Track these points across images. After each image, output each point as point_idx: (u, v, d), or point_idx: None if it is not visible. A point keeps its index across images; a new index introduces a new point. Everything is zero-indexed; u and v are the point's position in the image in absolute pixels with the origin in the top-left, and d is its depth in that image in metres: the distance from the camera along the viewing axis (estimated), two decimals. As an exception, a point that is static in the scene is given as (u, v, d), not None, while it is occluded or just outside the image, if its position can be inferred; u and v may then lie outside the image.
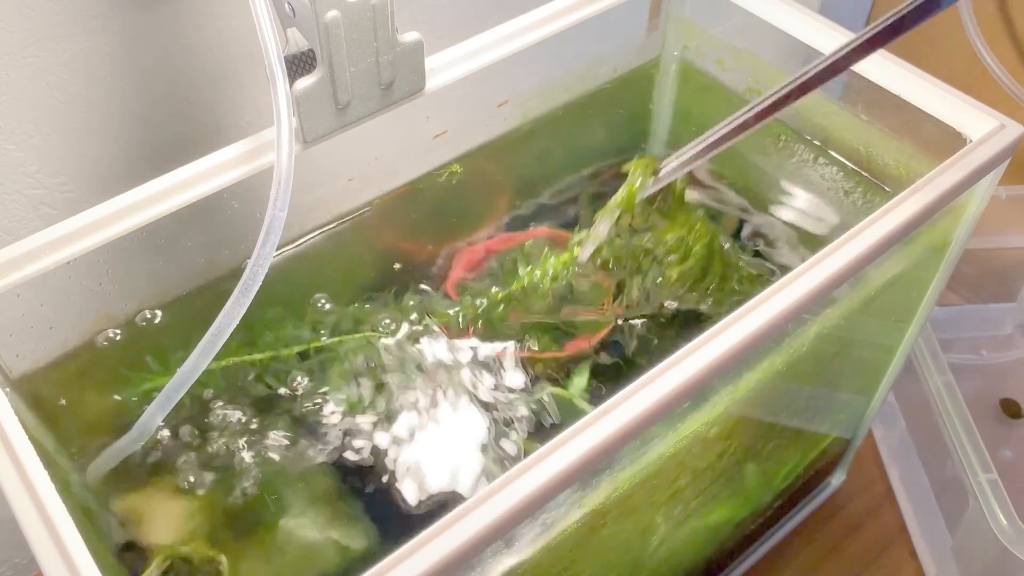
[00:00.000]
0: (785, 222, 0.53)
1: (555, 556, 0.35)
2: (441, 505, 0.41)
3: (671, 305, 0.47)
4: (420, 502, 0.41)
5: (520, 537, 0.33)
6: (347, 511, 0.41)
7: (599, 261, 0.47)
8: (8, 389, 0.37)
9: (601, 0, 0.49)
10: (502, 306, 0.47)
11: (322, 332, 0.47)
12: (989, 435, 0.57)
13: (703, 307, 0.48)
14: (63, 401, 0.42)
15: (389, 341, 0.47)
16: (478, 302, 0.47)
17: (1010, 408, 0.68)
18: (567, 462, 0.30)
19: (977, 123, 0.43)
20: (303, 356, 0.46)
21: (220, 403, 0.43)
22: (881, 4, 0.87)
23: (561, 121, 0.57)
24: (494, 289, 0.48)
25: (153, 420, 0.37)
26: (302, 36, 0.38)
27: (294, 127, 0.38)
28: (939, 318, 0.71)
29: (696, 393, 0.33)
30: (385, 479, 0.42)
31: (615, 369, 0.46)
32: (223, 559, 0.39)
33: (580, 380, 0.46)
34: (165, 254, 0.44)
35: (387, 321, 0.47)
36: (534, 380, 0.46)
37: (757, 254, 0.51)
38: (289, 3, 0.37)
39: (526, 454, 0.39)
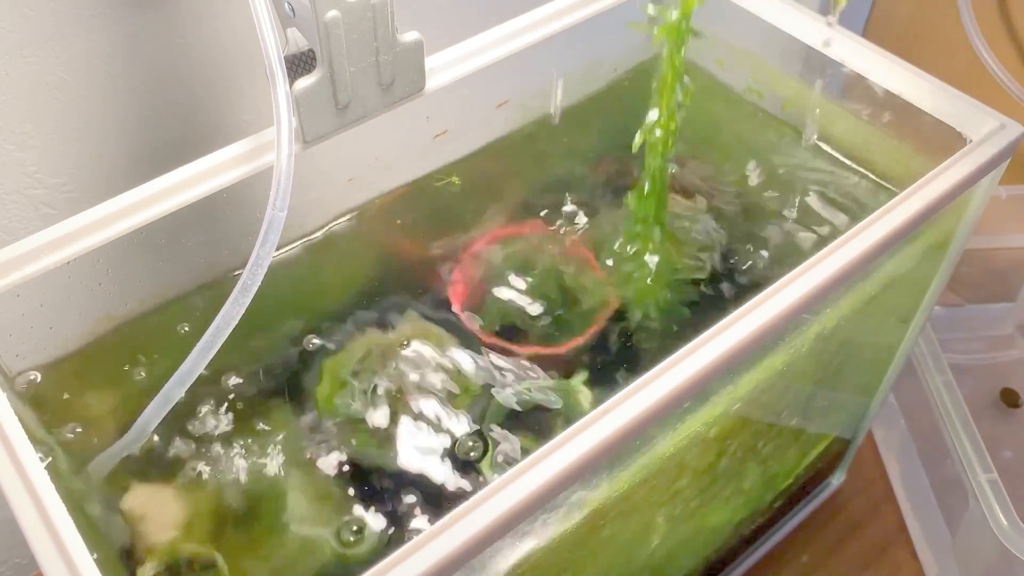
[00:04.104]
0: (782, 221, 0.53)
1: (555, 556, 0.35)
2: (442, 504, 0.41)
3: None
4: (421, 501, 0.41)
5: (520, 537, 0.33)
6: (348, 511, 0.41)
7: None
8: (8, 389, 0.37)
9: (601, 0, 0.49)
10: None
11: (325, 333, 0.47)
12: (989, 435, 0.57)
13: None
14: (63, 401, 0.42)
15: (391, 341, 0.47)
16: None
17: (1009, 397, 0.68)
18: (567, 462, 0.30)
19: (977, 123, 0.43)
20: (303, 354, 0.46)
21: (220, 401, 0.44)
22: (881, 4, 0.87)
23: (561, 121, 0.57)
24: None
25: (152, 420, 0.37)
26: (302, 36, 0.38)
27: (294, 127, 0.38)
28: (939, 318, 0.71)
29: (696, 393, 0.33)
30: (385, 478, 0.42)
31: (613, 363, 0.46)
32: (221, 558, 0.39)
33: (581, 373, 0.46)
34: (165, 254, 0.44)
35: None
36: (535, 375, 0.46)
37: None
38: (289, 3, 0.37)
39: (527, 451, 0.39)
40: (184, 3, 0.45)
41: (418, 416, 0.44)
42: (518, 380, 0.45)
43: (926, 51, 0.83)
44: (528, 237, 0.52)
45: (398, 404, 0.44)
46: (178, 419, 0.43)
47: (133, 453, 0.40)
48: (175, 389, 0.36)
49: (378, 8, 0.37)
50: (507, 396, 0.45)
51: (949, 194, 0.40)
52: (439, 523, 0.28)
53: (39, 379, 0.42)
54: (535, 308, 0.49)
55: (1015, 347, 0.72)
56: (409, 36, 0.40)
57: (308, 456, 0.42)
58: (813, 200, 0.53)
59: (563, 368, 0.46)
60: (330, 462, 0.42)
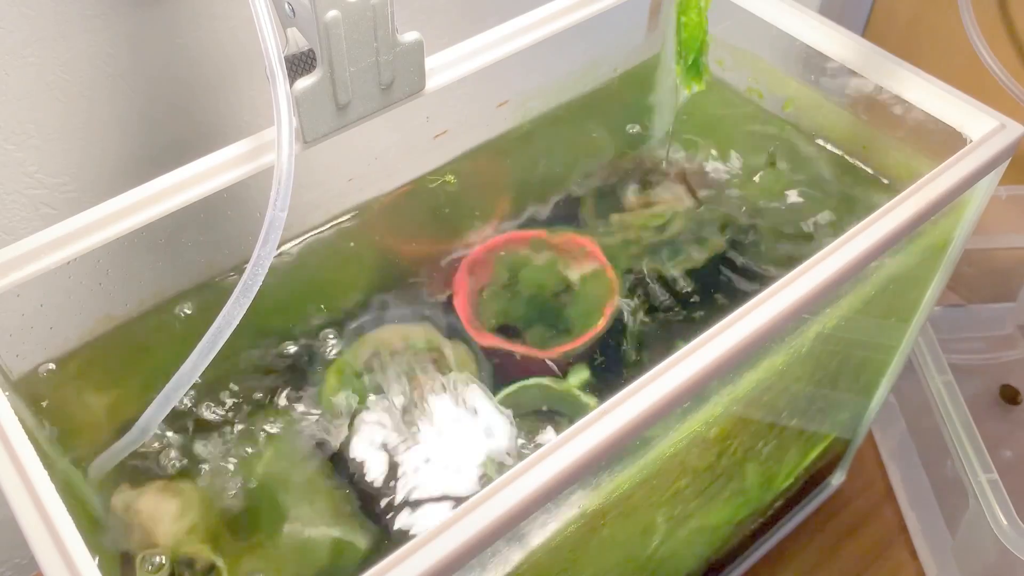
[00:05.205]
0: (782, 221, 0.53)
1: (555, 556, 0.35)
2: (442, 504, 0.41)
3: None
4: (422, 501, 0.41)
5: (520, 537, 0.33)
6: (348, 510, 0.41)
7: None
8: (8, 389, 0.37)
9: (601, 0, 0.49)
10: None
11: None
12: (989, 434, 0.57)
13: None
14: (63, 401, 0.42)
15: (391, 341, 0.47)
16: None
17: (1008, 394, 0.68)
18: (567, 462, 0.30)
19: (977, 123, 0.43)
20: (306, 352, 0.46)
21: (221, 401, 0.44)
22: (881, 4, 0.87)
23: (561, 121, 0.57)
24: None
25: (153, 420, 0.37)
26: (302, 36, 0.38)
27: (294, 127, 0.38)
28: (939, 318, 0.71)
29: (696, 393, 0.33)
30: (386, 478, 0.42)
31: (615, 363, 0.46)
32: (222, 558, 0.39)
33: (580, 374, 0.46)
34: (165, 254, 0.44)
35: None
36: (536, 375, 0.46)
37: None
38: (289, 3, 0.37)
39: (527, 451, 0.39)
40: (184, 3, 0.45)
41: (419, 415, 0.44)
42: (518, 380, 0.45)
43: (926, 51, 0.83)
44: (529, 236, 0.52)
45: (400, 403, 0.44)
46: (179, 419, 0.43)
47: (134, 453, 0.40)
48: (176, 390, 0.36)
49: (378, 8, 0.37)
50: (507, 396, 0.45)
51: (949, 194, 0.40)
52: (439, 523, 0.28)
53: (39, 379, 0.42)
54: (537, 308, 0.49)
55: (1015, 347, 0.72)
56: (409, 36, 0.40)
57: (311, 455, 0.42)
58: (813, 200, 0.53)
59: (564, 368, 0.46)
60: (333, 461, 0.42)
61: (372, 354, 0.46)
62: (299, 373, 0.45)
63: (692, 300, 0.49)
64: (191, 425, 0.43)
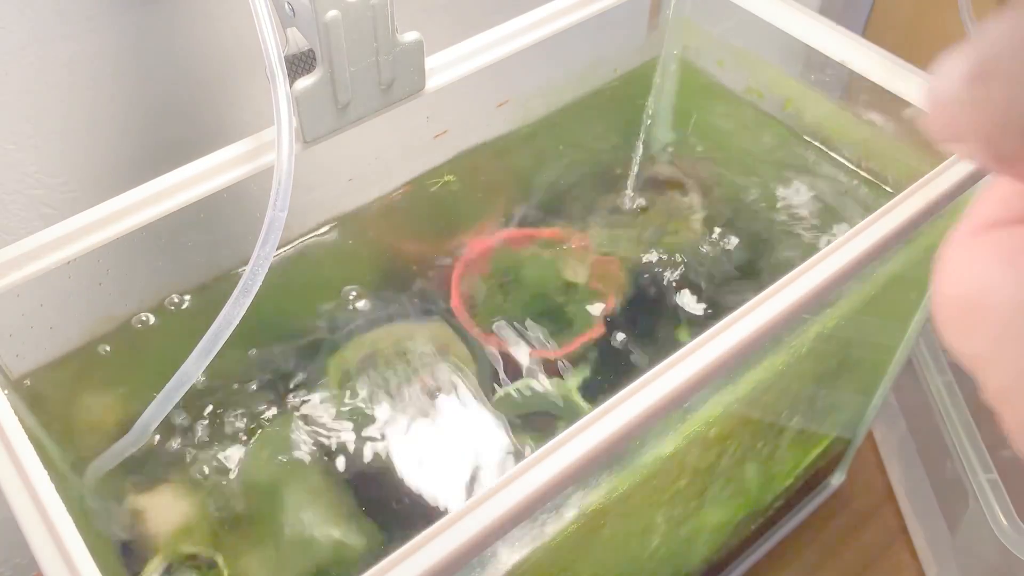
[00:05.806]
0: (782, 221, 0.53)
1: (555, 556, 0.35)
2: (442, 504, 0.41)
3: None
4: (421, 500, 0.41)
5: (520, 537, 0.33)
6: (348, 510, 0.41)
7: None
8: (8, 389, 0.37)
9: (601, 0, 0.49)
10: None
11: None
12: (989, 435, 0.57)
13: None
14: (63, 401, 0.42)
15: (392, 338, 0.47)
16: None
17: None
18: (567, 462, 0.30)
19: (977, 123, 0.43)
20: (305, 352, 0.46)
21: (221, 401, 0.44)
22: (881, 4, 0.87)
23: (561, 121, 0.57)
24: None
25: (152, 421, 0.37)
26: (302, 36, 0.38)
27: (294, 127, 0.38)
28: (939, 318, 0.71)
29: (696, 393, 0.33)
30: (387, 477, 0.42)
31: (615, 364, 0.46)
32: (222, 558, 0.39)
33: (579, 375, 0.46)
34: (165, 254, 0.44)
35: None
36: (534, 375, 0.46)
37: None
38: (289, 3, 0.37)
39: (527, 451, 0.39)
40: (185, 3, 0.45)
41: (418, 414, 0.44)
42: (516, 380, 0.45)
43: (926, 51, 0.83)
44: (528, 236, 0.52)
45: (399, 402, 0.44)
46: (179, 419, 0.43)
47: (134, 453, 0.40)
48: (176, 390, 0.36)
49: (378, 8, 0.37)
50: (506, 396, 0.45)
51: (948, 195, 0.40)
52: (439, 523, 0.28)
53: (39, 379, 0.42)
54: (536, 308, 0.49)
55: (1015, 347, 0.72)
56: (409, 36, 0.40)
57: (310, 454, 0.42)
58: (813, 200, 0.53)
59: (563, 368, 0.46)
60: (332, 460, 0.42)
61: (370, 353, 0.46)
62: (298, 373, 0.45)
63: (692, 301, 0.49)
64: (191, 424, 0.43)
